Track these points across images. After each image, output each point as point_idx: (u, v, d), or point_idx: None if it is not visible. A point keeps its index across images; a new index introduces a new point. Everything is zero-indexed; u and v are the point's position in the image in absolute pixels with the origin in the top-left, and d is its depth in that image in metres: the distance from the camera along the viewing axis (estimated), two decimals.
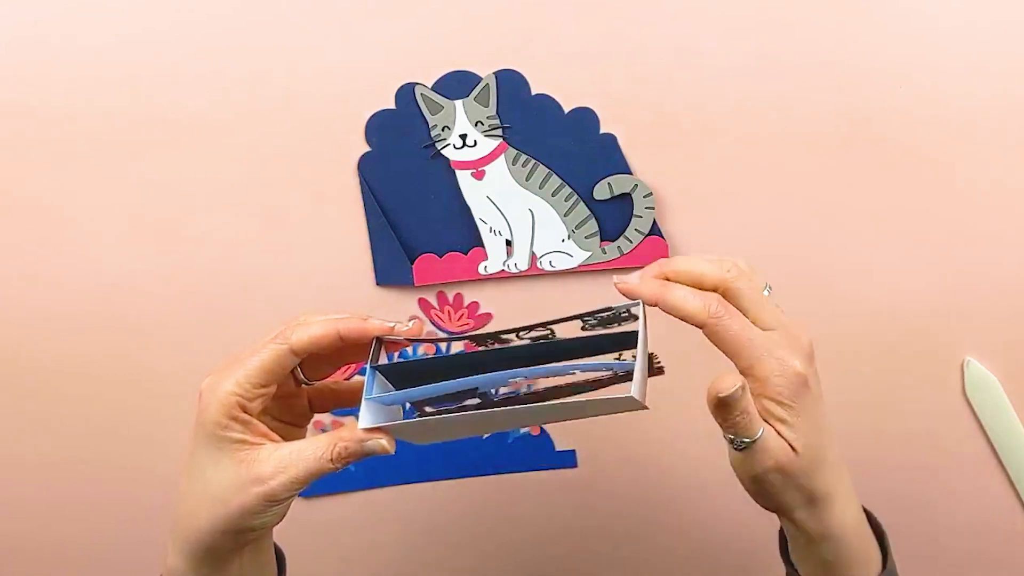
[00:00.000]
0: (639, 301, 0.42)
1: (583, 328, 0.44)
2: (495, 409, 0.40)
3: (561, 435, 0.71)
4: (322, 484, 0.70)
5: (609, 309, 0.43)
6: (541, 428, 0.71)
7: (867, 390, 0.68)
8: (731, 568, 0.74)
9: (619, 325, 0.43)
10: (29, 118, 0.63)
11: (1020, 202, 0.64)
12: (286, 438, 0.43)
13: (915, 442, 0.69)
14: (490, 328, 0.46)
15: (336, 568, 0.74)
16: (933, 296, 0.66)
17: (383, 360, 0.44)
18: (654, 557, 0.74)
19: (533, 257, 0.66)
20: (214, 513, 0.40)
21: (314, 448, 0.41)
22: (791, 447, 0.40)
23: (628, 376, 0.39)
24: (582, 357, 0.42)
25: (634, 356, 0.40)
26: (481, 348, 0.44)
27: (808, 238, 0.66)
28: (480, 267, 0.66)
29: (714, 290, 0.42)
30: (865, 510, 0.45)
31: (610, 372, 0.41)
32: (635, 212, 0.64)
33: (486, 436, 0.71)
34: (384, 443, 0.41)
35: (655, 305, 0.42)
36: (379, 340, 0.43)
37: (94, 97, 0.62)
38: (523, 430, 0.70)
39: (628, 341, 0.42)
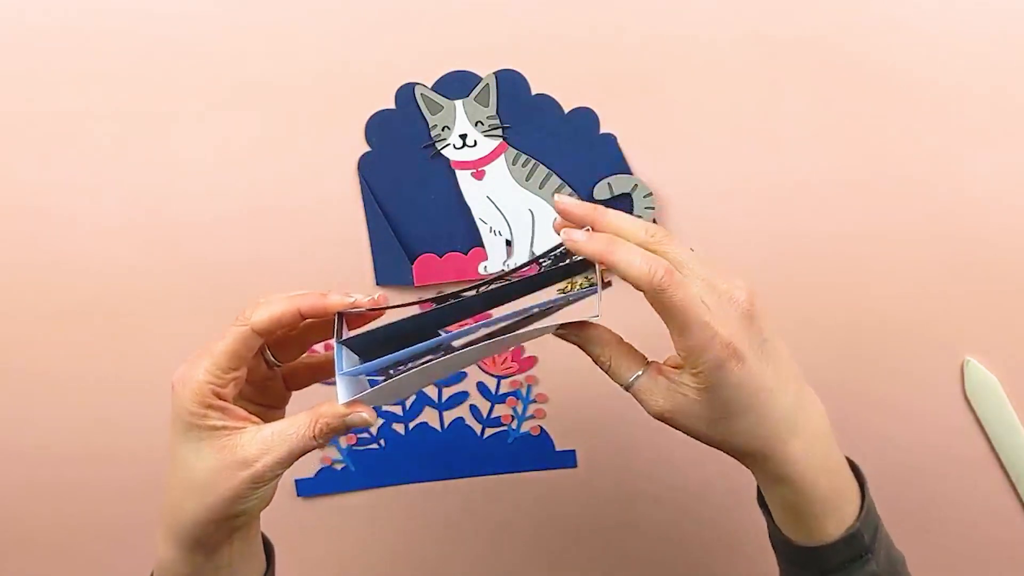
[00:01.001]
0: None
1: (540, 269, 0.45)
2: (459, 352, 0.42)
3: (561, 435, 0.71)
4: (322, 484, 0.71)
5: (561, 245, 0.44)
6: (541, 428, 0.71)
7: (867, 390, 0.68)
8: (731, 567, 0.74)
9: (571, 257, 0.45)
10: (29, 118, 0.63)
11: (1020, 202, 0.64)
12: (266, 420, 0.43)
13: (915, 442, 0.69)
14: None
15: (336, 568, 0.74)
16: (933, 296, 0.66)
17: (349, 334, 0.44)
18: (654, 557, 0.74)
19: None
20: (201, 502, 0.41)
21: (296, 427, 0.41)
22: (685, 403, 0.42)
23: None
24: (533, 292, 0.44)
25: (586, 281, 0.43)
26: (441, 305, 0.44)
27: (808, 238, 0.66)
28: (480, 267, 0.66)
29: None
30: (849, 460, 0.46)
31: (564, 302, 0.44)
32: (635, 212, 0.64)
33: (484, 434, 0.71)
34: (365, 415, 0.42)
35: (600, 264, 0.42)
36: (341, 315, 0.44)
37: (94, 97, 0.62)
38: (523, 430, 0.70)
39: (577, 270, 0.44)
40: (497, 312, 0.46)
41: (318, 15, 0.61)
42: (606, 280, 0.44)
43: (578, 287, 0.45)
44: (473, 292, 0.45)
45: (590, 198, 0.64)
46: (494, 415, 0.70)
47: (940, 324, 0.67)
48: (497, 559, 0.74)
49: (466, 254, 0.66)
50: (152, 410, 0.68)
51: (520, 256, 0.66)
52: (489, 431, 0.71)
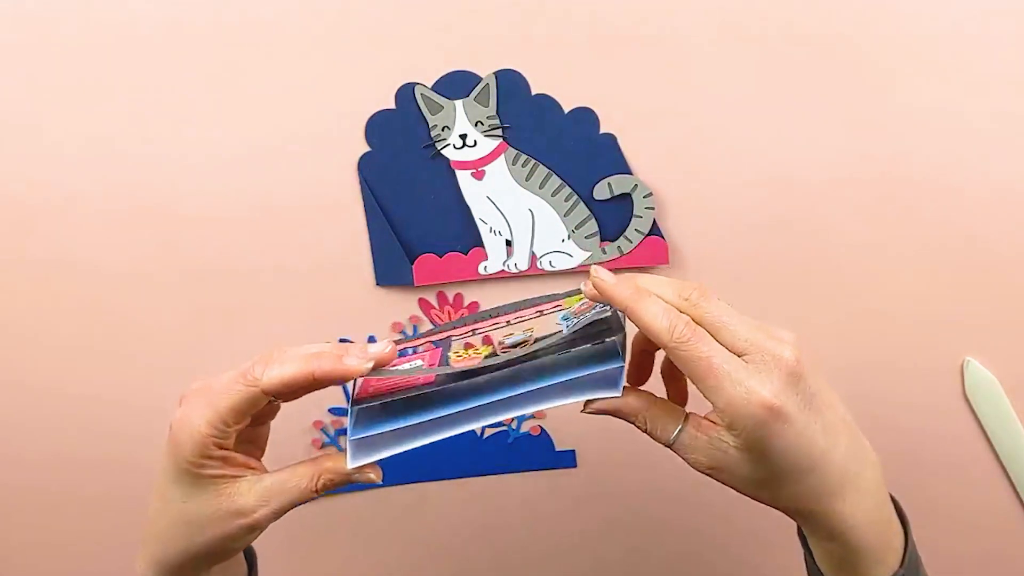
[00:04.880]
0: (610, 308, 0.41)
1: (564, 330, 0.43)
2: (471, 418, 0.41)
3: (561, 435, 0.71)
4: None
5: (592, 324, 0.42)
6: (541, 428, 0.71)
7: (867, 390, 0.68)
8: (731, 568, 0.74)
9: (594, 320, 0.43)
10: (30, 118, 0.63)
11: (1020, 202, 0.64)
12: (250, 436, 0.43)
13: (915, 442, 0.69)
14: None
15: (336, 568, 0.74)
16: (933, 296, 0.66)
17: (360, 394, 0.43)
18: (654, 557, 0.74)
19: (533, 257, 0.66)
20: (191, 540, 0.41)
21: (297, 479, 0.41)
22: (727, 462, 0.39)
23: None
24: (550, 361, 0.42)
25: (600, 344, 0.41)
26: (458, 383, 0.42)
27: (808, 238, 0.66)
28: (480, 267, 0.66)
29: None
30: (892, 499, 0.44)
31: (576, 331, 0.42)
32: (635, 212, 0.64)
33: (484, 434, 0.71)
34: (372, 476, 0.41)
35: (623, 312, 0.40)
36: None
37: (95, 97, 0.62)
38: (523, 430, 0.70)
39: (596, 332, 0.43)
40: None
41: (319, 15, 0.61)
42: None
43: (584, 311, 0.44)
44: (495, 362, 0.42)
45: (590, 198, 0.64)
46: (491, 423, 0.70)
47: (940, 324, 0.67)
48: (497, 559, 0.74)
49: (466, 254, 0.66)
50: (153, 414, 0.68)
51: (520, 257, 0.66)
52: (489, 431, 0.71)
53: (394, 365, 0.42)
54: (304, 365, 0.39)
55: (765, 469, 0.39)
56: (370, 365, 0.40)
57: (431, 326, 0.67)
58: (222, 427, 0.40)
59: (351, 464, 0.41)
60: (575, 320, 0.43)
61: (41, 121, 0.63)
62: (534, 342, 0.42)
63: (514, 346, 0.43)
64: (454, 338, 0.47)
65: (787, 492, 0.40)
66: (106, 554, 0.72)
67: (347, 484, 0.42)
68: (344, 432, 0.68)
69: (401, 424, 0.41)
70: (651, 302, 0.39)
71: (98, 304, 0.66)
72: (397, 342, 0.44)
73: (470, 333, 0.47)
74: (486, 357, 0.42)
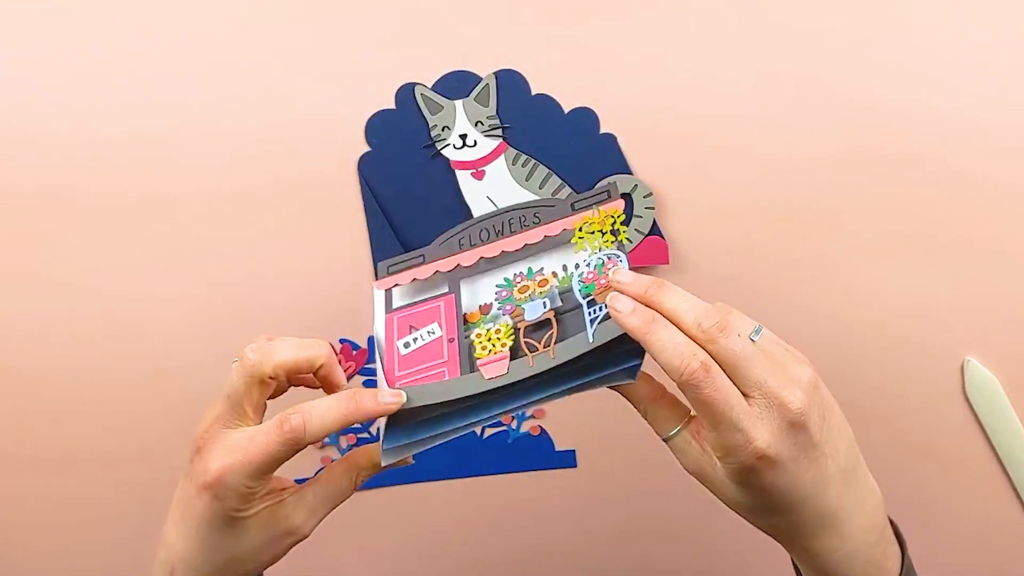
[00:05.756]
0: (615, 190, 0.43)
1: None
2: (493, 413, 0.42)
3: (561, 435, 0.71)
4: None
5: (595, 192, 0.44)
6: (541, 428, 0.71)
7: (867, 390, 0.68)
8: (731, 568, 0.74)
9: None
10: (30, 123, 0.63)
11: (1020, 202, 0.64)
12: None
13: (915, 442, 0.69)
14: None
15: (336, 568, 0.74)
16: (933, 296, 0.66)
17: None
18: (654, 557, 0.74)
19: None
20: (237, 571, 0.42)
21: (335, 486, 0.44)
22: (714, 478, 0.40)
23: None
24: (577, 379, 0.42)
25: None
26: (486, 391, 0.43)
27: (808, 238, 0.66)
28: None
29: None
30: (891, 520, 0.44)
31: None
32: (635, 212, 0.64)
33: (484, 434, 0.71)
34: (408, 459, 0.44)
35: (636, 338, 0.40)
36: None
37: (95, 97, 0.62)
38: (523, 430, 0.71)
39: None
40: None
41: (319, 15, 0.61)
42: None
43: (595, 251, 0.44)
44: (523, 376, 0.43)
45: None
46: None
47: (940, 324, 0.67)
48: (497, 559, 0.74)
49: None
50: (154, 414, 0.68)
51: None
52: (489, 431, 0.71)
53: (410, 310, 0.45)
54: (343, 413, 0.41)
55: (747, 497, 0.40)
56: (404, 398, 0.42)
57: None
58: (262, 478, 0.40)
59: (385, 463, 0.42)
60: (598, 312, 0.42)
61: (42, 123, 0.63)
62: (557, 324, 0.43)
63: (537, 326, 0.44)
64: (463, 278, 0.47)
65: (762, 522, 0.41)
66: (107, 553, 0.72)
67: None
68: (346, 432, 0.68)
69: (434, 432, 0.42)
70: (665, 335, 0.38)
71: (98, 303, 0.66)
72: (403, 264, 0.47)
73: (480, 262, 0.47)
74: (510, 350, 0.43)
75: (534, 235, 0.46)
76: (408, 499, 0.72)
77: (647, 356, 0.40)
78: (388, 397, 0.42)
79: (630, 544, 0.74)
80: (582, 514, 0.73)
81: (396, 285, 0.48)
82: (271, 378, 0.42)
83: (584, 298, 0.43)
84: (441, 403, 0.43)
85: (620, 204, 0.45)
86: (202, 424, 0.42)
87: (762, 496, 0.39)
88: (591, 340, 0.42)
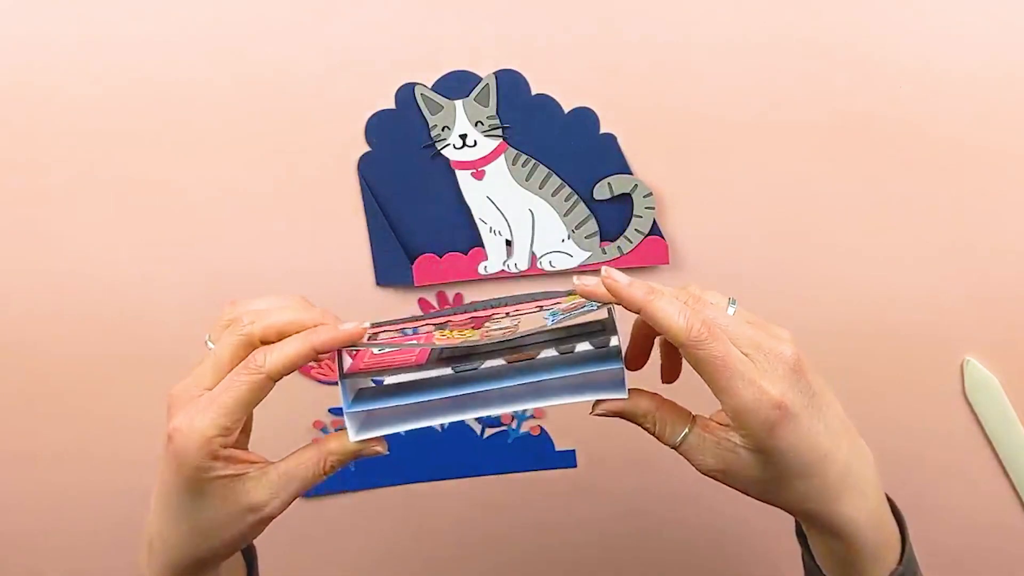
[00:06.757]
0: (605, 309, 0.41)
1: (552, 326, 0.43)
2: (471, 400, 0.41)
3: (561, 435, 0.71)
4: (322, 483, 0.71)
5: (580, 327, 0.43)
6: (541, 428, 0.71)
7: (867, 390, 0.68)
8: (731, 567, 0.74)
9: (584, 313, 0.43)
10: (37, 123, 0.63)
11: (1020, 202, 0.64)
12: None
13: (915, 442, 0.69)
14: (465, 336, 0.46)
15: (336, 568, 0.74)
16: (933, 296, 0.66)
17: (350, 367, 0.43)
18: (654, 557, 0.74)
19: (533, 257, 0.66)
20: (203, 544, 0.41)
21: (304, 468, 0.41)
22: (736, 463, 0.40)
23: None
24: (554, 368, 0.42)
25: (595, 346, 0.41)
26: (455, 369, 0.43)
27: (808, 238, 0.66)
28: (480, 267, 0.66)
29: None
30: (888, 499, 0.44)
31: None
32: (635, 212, 0.64)
33: (484, 434, 0.71)
34: (378, 448, 0.42)
35: (638, 312, 0.40)
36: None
37: (97, 97, 0.62)
38: (523, 430, 0.71)
39: (589, 329, 0.43)
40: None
41: (319, 15, 0.61)
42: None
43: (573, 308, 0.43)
44: (481, 360, 0.43)
45: (590, 198, 0.64)
46: (494, 415, 0.71)
47: (940, 324, 0.67)
48: (497, 559, 0.74)
49: (466, 254, 0.66)
50: (154, 414, 0.68)
51: (520, 257, 0.66)
52: (489, 431, 0.71)
53: (393, 340, 0.42)
54: (304, 343, 0.39)
55: (773, 469, 0.39)
56: (367, 325, 0.41)
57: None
58: (227, 425, 0.39)
59: (354, 438, 0.41)
60: (561, 316, 0.43)
61: (43, 123, 0.63)
62: (518, 328, 0.42)
63: (499, 331, 0.43)
64: (452, 324, 0.47)
65: (792, 492, 0.40)
66: (107, 553, 0.72)
67: (354, 460, 0.42)
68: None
69: (401, 402, 0.41)
70: (667, 301, 0.39)
71: (98, 303, 0.66)
72: (402, 321, 0.45)
73: (469, 320, 0.47)
74: (468, 338, 0.42)
75: (527, 307, 0.47)
76: (408, 499, 0.72)
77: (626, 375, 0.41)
78: (348, 325, 0.40)
79: (630, 544, 0.74)
80: (582, 514, 0.73)
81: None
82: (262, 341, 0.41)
83: (551, 317, 0.43)
84: (407, 382, 0.42)
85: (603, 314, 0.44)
86: (174, 391, 0.41)
87: (785, 461, 0.39)
88: (549, 324, 0.42)
